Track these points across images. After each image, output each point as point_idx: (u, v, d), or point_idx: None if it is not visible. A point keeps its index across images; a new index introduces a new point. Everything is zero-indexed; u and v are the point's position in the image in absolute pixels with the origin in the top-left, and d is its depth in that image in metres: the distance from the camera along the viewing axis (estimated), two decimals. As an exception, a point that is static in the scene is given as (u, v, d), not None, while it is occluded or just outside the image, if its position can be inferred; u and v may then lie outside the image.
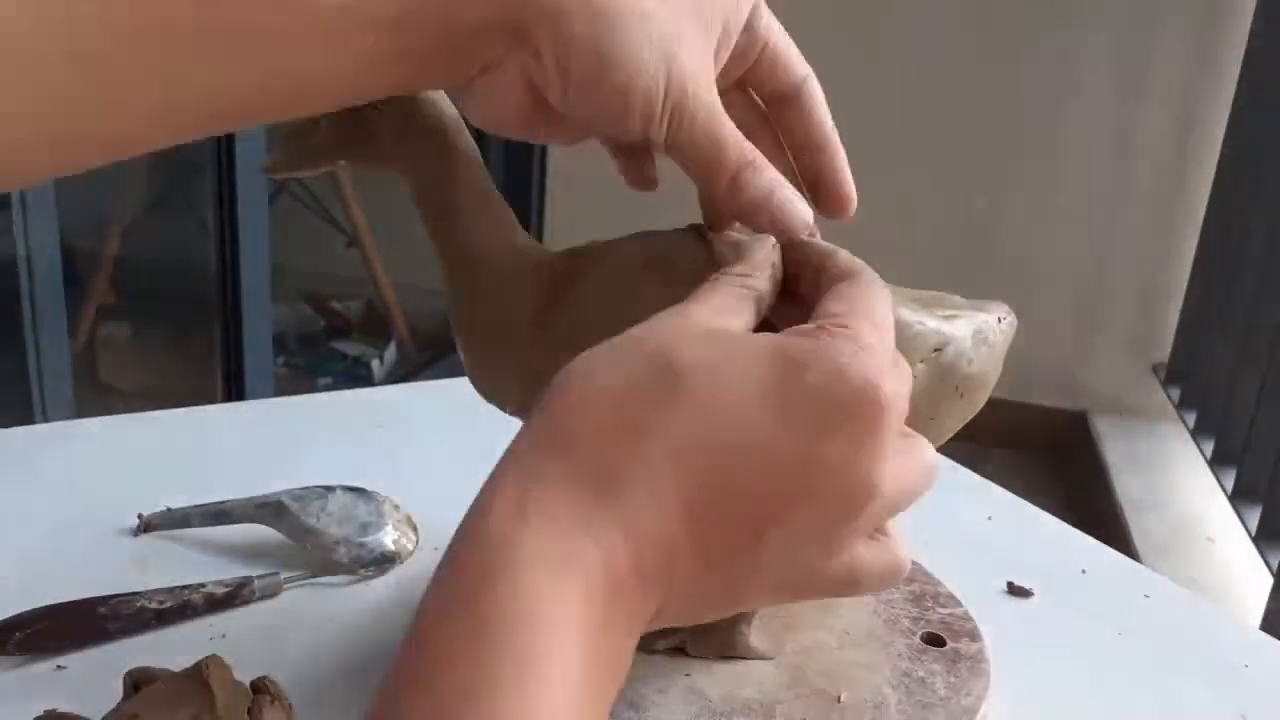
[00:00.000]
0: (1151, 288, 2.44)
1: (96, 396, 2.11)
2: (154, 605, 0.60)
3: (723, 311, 0.37)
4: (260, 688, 0.48)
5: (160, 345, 2.34)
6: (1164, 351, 2.44)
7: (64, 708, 0.53)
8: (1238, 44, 2.23)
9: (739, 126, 0.42)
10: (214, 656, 0.48)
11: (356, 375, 2.46)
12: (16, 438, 0.80)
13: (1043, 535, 0.77)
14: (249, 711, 0.47)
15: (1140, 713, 0.60)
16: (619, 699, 0.52)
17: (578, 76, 0.38)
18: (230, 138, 1.70)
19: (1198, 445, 2.15)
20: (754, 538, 0.33)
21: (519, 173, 2.61)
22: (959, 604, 0.62)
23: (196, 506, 0.69)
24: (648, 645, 0.56)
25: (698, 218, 0.57)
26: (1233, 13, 2.24)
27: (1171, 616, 0.68)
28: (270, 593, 0.63)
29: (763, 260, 0.40)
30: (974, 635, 0.59)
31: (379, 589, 0.65)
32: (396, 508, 0.70)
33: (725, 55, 0.42)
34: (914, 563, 0.65)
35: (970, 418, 0.55)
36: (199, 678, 0.47)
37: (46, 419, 1.53)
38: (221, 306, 1.82)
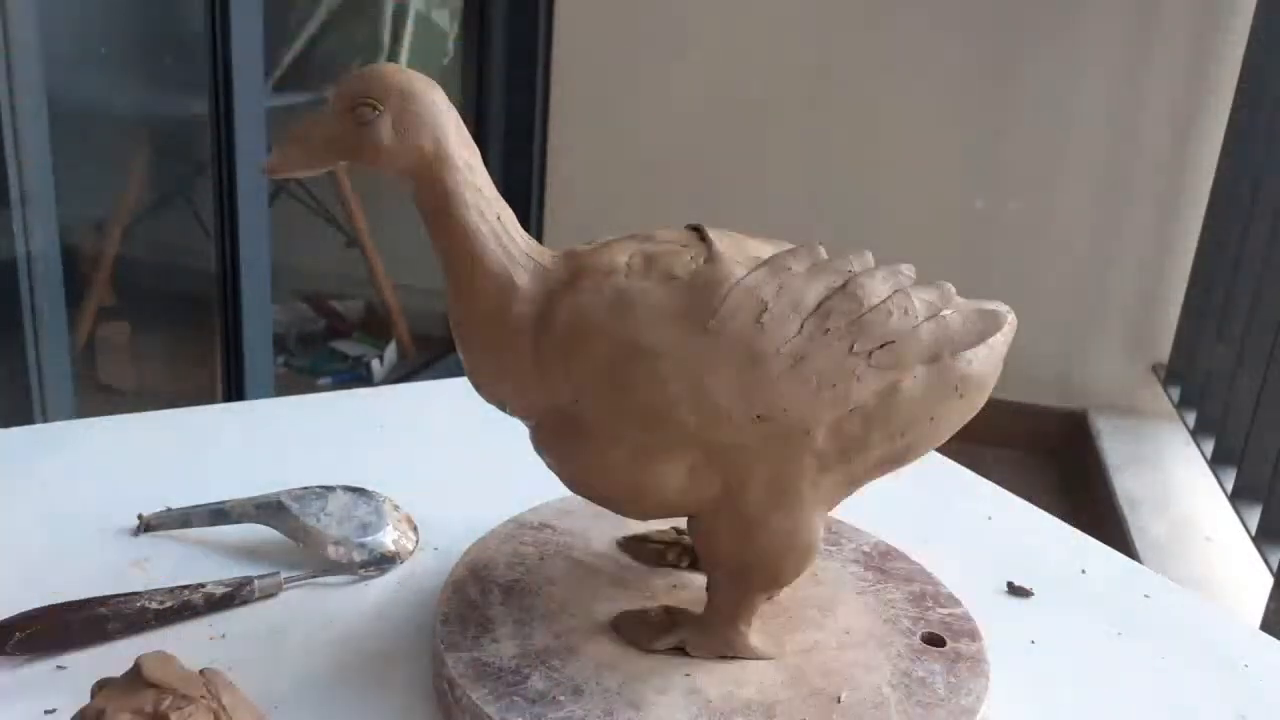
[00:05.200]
0: (1151, 288, 2.44)
1: (96, 396, 2.11)
2: (154, 605, 0.60)
3: None
4: (207, 674, 0.49)
5: (160, 345, 2.33)
6: (1164, 351, 2.44)
7: (64, 708, 0.53)
8: (1238, 44, 2.22)
9: None
10: (153, 653, 0.48)
11: (356, 375, 2.46)
12: (16, 438, 0.80)
13: (1043, 535, 0.77)
14: (207, 688, 0.48)
15: (1140, 712, 0.60)
16: (619, 699, 0.52)
17: None
18: (230, 138, 1.70)
19: (1197, 445, 2.14)
20: None
21: (519, 173, 2.61)
22: (959, 604, 0.62)
23: (196, 506, 0.69)
24: (648, 645, 0.56)
25: (696, 218, 0.57)
26: (1233, 13, 2.24)
27: (1171, 616, 0.68)
28: (270, 593, 0.63)
29: None
30: (974, 635, 0.59)
31: (379, 589, 0.65)
32: (396, 508, 0.70)
33: None
34: (914, 563, 0.65)
35: (970, 418, 0.55)
36: (141, 679, 0.47)
37: (46, 419, 1.53)
38: (221, 306, 1.82)
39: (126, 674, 0.48)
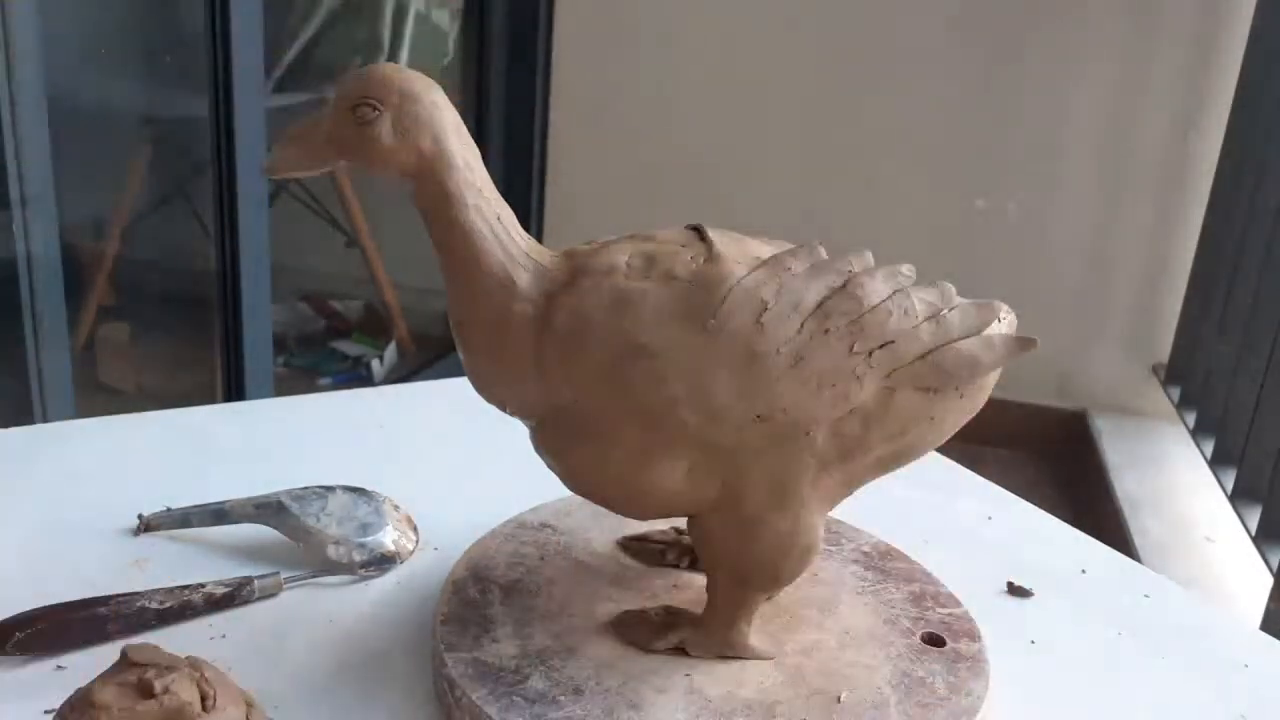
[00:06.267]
0: (1151, 288, 2.44)
1: (96, 396, 2.10)
2: (154, 605, 0.60)
3: None
4: (192, 659, 0.49)
5: (160, 345, 2.33)
6: (1164, 351, 2.44)
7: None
8: (1238, 44, 2.22)
9: None
10: (139, 644, 0.49)
11: (356, 375, 2.46)
12: (16, 438, 0.80)
13: (1043, 535, 0.77)
14: (191, 667, 0.48)
15: (1140, 713, 0.60)
16: (619, 699, 0.52)
17: None
18: (230, 138, 1.70)
19: (1198, 445, 2.14)
20: None
21: (519, 173, 2.60)
22: (959, 604, 0.62)
23: (196, 506, 0.69)
24: (648, 645, 0.56)
25: (697, 218, 0.57)
26: (1233, 13, 2.24)
27: (1171, 616, 0.68)
28: (270, 593, 0.63)
29: None
30: (974, 635, 0.59)
31: (379, 589, 0.65)
32: (396, 508, 0.70)
33: None
34: (914, 563, 0.65)
35: (970, 418, 0.55)
36: (128, 662, 0.47)
37: (46, 419, 1.53)
38: (221, 306, 1.82)
39: (115, 664, 0.48)
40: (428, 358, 2.55)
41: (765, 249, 0.53)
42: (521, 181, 2.61)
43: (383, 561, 0.67)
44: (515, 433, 0.56)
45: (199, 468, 0.77)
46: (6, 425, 0.81)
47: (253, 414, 0.91)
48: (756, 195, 2.49)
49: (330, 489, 0.69)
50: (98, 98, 1.91)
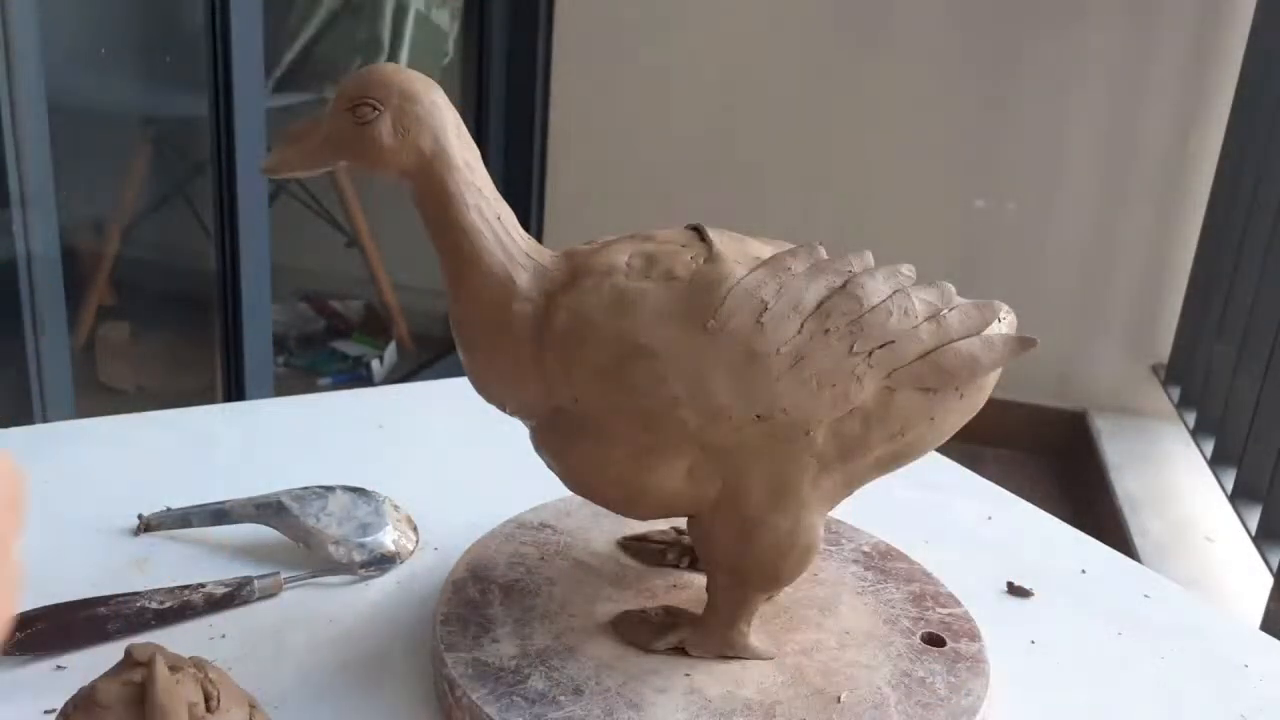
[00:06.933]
0: (1151, 288, 2.44)
1: (96, 396, 2.10)
2: (154, 605, 0.60)
3: None
4: (195, 659, 0.49)
5: (160, 345, 2.33)
6: (1164, 351, 2.44)
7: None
8: (1238, 44, 2.22)
9: None
10: (143, 643, 0.48)
11: (356, 375, 2.46)
12: (16, 438, 0.80)
13: (1043, 535, 0.77)
14: (195, 667, 0.48)
15: (1140, 713, 0.60)
16: (619, 699, 0.52)
17: None
18: (230, 138, 1.70)
19: (1197, 445, 2.14)
20: None
21: (519, 173, 2.61)
22: (959, 604, 0.62)
23: (196, 506, 0.69)
24: (648, 645, 0.56)
25: (696, 218, 0.57)
26: (1233, 13, 2.24)
27: (1171, 616, 0.68)
28: (270, 593, 0.63)
29: None
30: (974, 635, 0.59)
31: (379, 589, 0.65)
32: (396, 508, 0.70)
33: None
34: (914, 563, 0.65)
35: (970, 418, 0.55)
36: (131, 661, 0.47)
37: (46, 419, 1.52)
38: (221, 306, 1.82)
39: (118, 664, 0.48)
40: (428, 358, 2.55)
41: (765, 249, 0.53)
42: (521, 181, 2.61)
43: (383, 561, 0.67)
44: (515, 433, 0.56)
45: (199, 468, 0.77)
46: (6, 425, 0.81)
47: (253, 414, 0.91)
48: (756, 195, 2.49)
49: (330, 489, 0.69)
50: (98, 98, 1.91)
